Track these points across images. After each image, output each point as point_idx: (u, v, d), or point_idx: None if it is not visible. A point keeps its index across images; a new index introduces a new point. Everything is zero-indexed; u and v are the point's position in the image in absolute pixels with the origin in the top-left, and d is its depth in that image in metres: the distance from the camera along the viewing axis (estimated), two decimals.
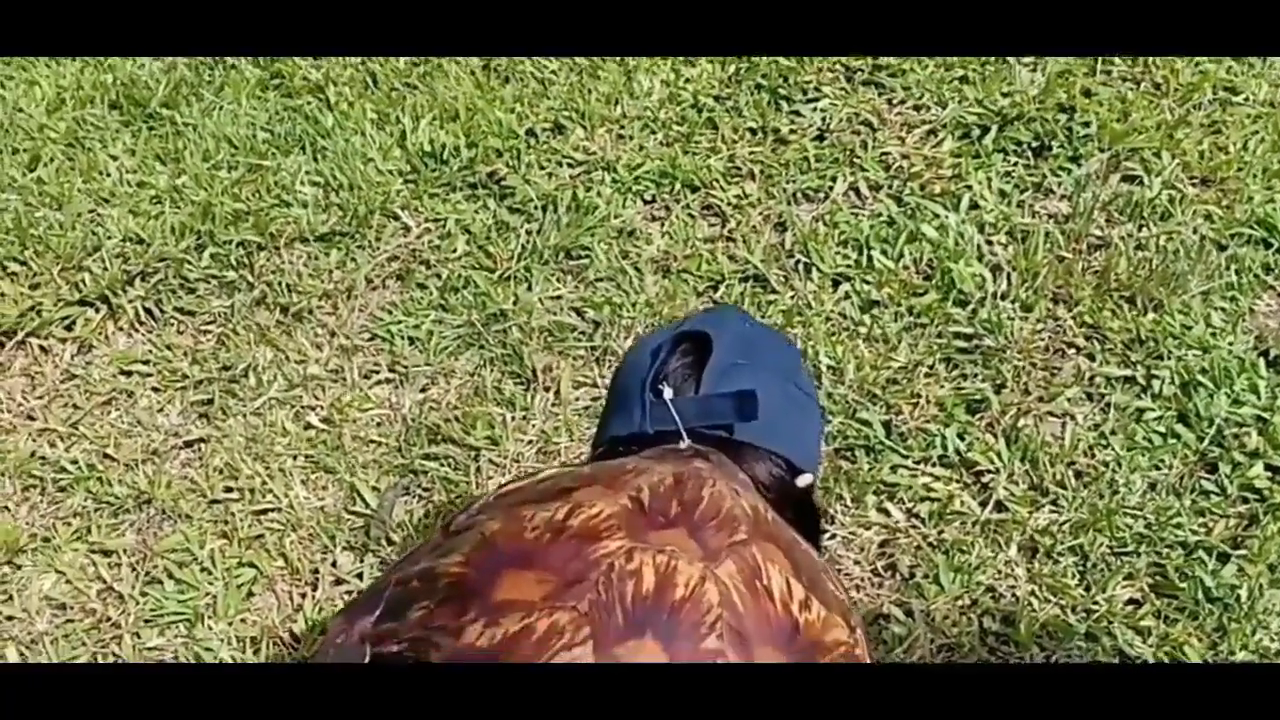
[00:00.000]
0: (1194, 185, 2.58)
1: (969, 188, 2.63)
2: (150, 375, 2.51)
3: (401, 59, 3.15)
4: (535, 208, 2.74)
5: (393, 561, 1.94)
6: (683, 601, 0.84)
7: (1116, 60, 2.85)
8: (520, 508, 0.95)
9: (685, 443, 1.13)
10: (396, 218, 2.75)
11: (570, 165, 2.84)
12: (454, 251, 2.67)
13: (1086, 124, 2.69)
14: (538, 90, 3.01)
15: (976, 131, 2.74)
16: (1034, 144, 2.69)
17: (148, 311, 2.61)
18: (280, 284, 2.62)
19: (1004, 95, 2.79)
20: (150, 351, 2.55)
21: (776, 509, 1.08)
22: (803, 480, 1.22)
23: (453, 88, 3.03)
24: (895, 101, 2.84)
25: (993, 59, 2.86)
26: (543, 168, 2.84)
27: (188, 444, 2.39)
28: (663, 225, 2.70)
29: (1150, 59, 2.82)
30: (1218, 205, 2.53)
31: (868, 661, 0.97)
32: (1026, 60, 2.87)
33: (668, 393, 1.16)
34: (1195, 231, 2.49)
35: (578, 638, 0.81)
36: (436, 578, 0.91)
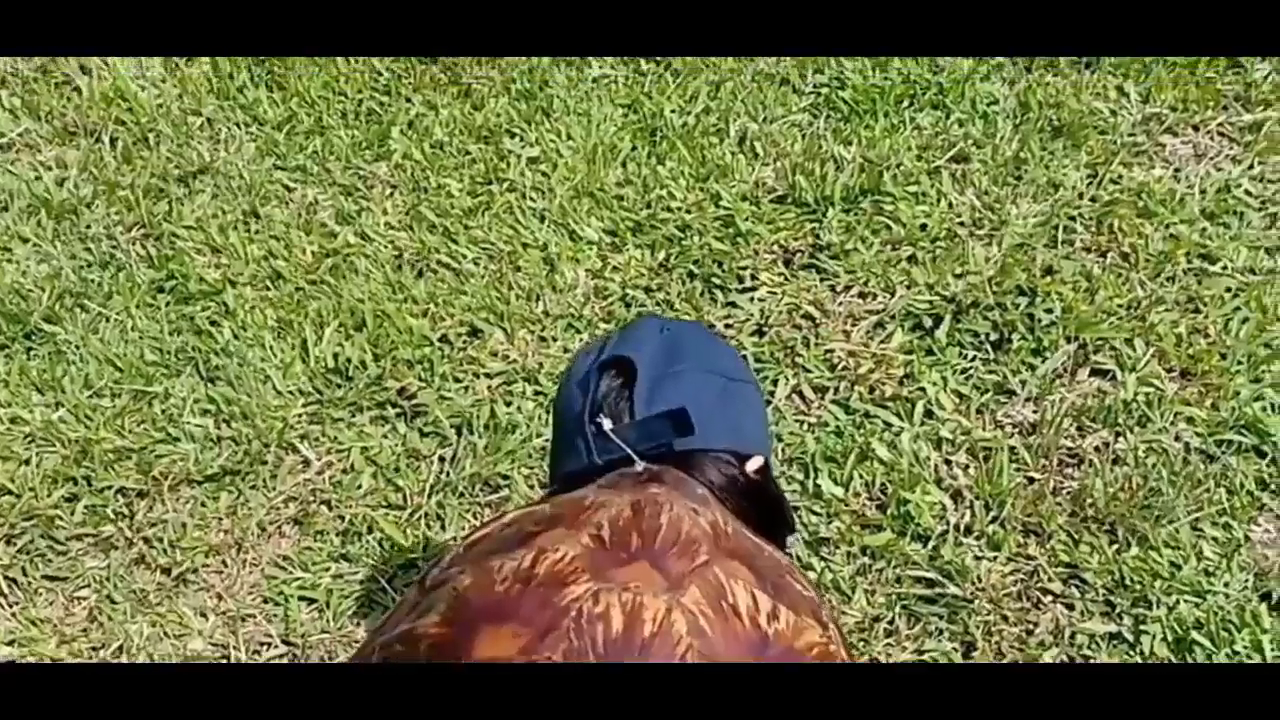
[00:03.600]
0: (1172, 380, 2.27)
1: (922, 390, 2.32)
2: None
3: (308, 251, 2.85)
4: (449, 429, 2.43)
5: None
6: (652, 638, 0.84)
7: (1079, 228, 2.55)
8: (489, 559, 0.94)
9: (640, 465, 1.14)
10: (295, 450, 2.43)
11: (488, 376, 2.52)
12: (358, 488, 2.35)
13: (1049, 309, 2.39)
14: (454, 286, 2.70)
15: (929, 322, 2.43)
16: (992, 336, 2.39)
17: (11, 581, 2.28)
18: (162, 539, 2.29)
19: (957, 277, 2.49)
20: (14, 630, 2.22)
21: (735, 503, 1.13)
22: (752, 465, 1.22)
23: (361, 286, 2.72)
24: (838, 289, 2.54)
25: (943, 237, 2.56)
26: (458, 379, 2.52)
27: None
28: None
29: (1118, 226, 2.52)
30: (1200, 405, 2.21)
31: (845, 658, 0.97)
32: (980, 233, 2.58)
33: (607, 423, 1.16)
34: (1178, 439, 2.18)
35: None
36: (417, 640, 0.90)
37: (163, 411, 2.52)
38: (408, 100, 3.26)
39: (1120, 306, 2.39)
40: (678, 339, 1.27)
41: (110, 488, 2.38)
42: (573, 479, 1.18)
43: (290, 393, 2.53)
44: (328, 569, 2.24)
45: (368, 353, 2.56)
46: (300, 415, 2.48)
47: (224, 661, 2.14)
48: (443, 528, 2.28)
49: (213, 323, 2.70)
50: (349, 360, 2.55)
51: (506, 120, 3.14)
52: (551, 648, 0.83)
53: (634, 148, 2.98)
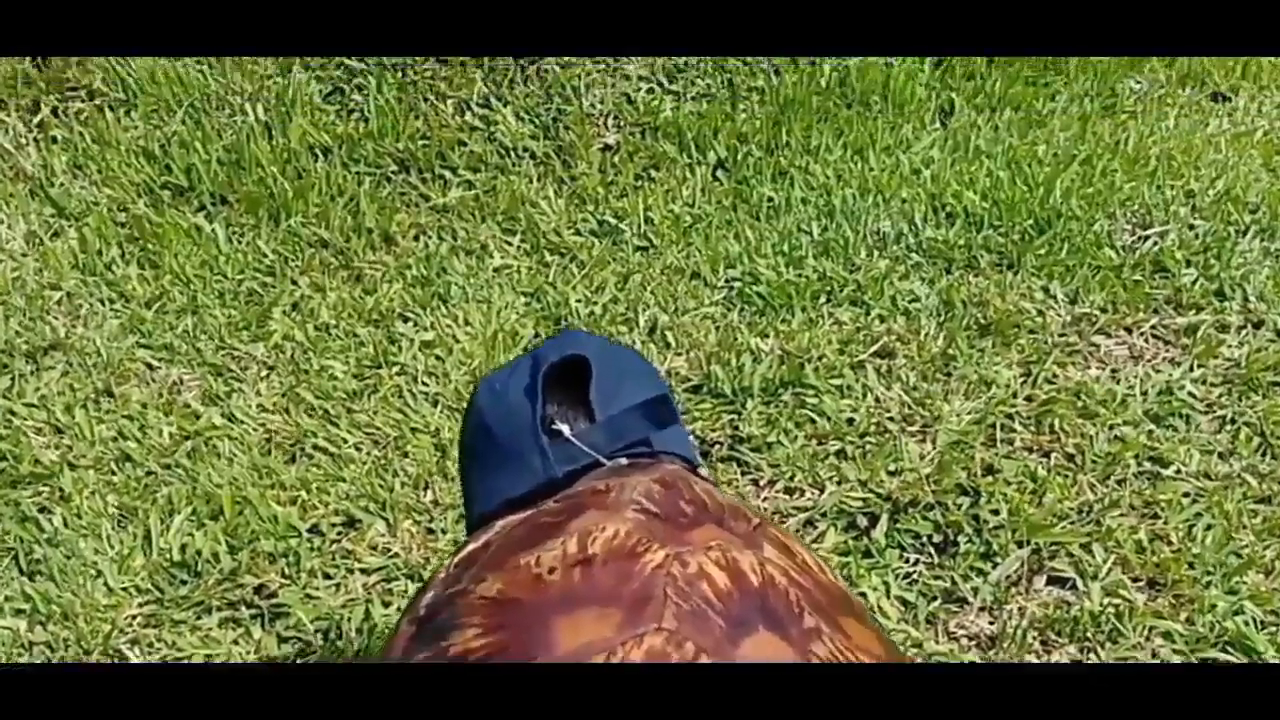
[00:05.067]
0: (1140, 590, 1.96)
1: (862, 595, 1.97)
2: None
3: (165, 433, 2.43)
4: (313, 633, 1.99)
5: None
6: (764, 588, 0.73)
7: (1017, 427, 2.28)
8: (510, 559, 0.77)
9: (623, 459, 0.97)
10: (122, 657, 1.96)
11: (364, 572, 2.10)
12: None
13: (995, 510, 2.08)
14: (330, 472, 2.30)
15: (864, 521, 2.10)
16: (935, 538, 2.06)
17: None
18: None
19: (891, 474, 2.18)
20: None
21: None
22: (703, 474, 1.06)
23: (222, 470, 2.31)
24: (762, 483, 2.21)
25: (873, 432, 2.27)
26: (328, 576, 2.10)
27: None
28: None
29: (1059, 426, 2.25)
30: (1175, 618, 1.89)
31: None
32: (913, 429, 2.29)
33: (566, 429, 1.00)
34: (1155, 656, 1.85)
35: (686, 655, 0.66)
36: (461, 660, 0.71)
37: None
38: (293, 283, 2.92)
39: (1072, 510, 2.10)
40: (610, 344, 1.14)
41: None
42: (525, 501, 0.97)
43: (124, 590, 2.07)
44: None
45: (222, 544, 2.13)
46: (134, 616, 2.02)
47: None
48: None
49: (43, 509, 2.25)
50: (199, 553, 2.11)
51: (400, 305, 2.81)
52: (655, 617, 0.69)
53: (536, 334, 2.66)
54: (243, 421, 2.47)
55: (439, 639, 0.75)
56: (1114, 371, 2.41)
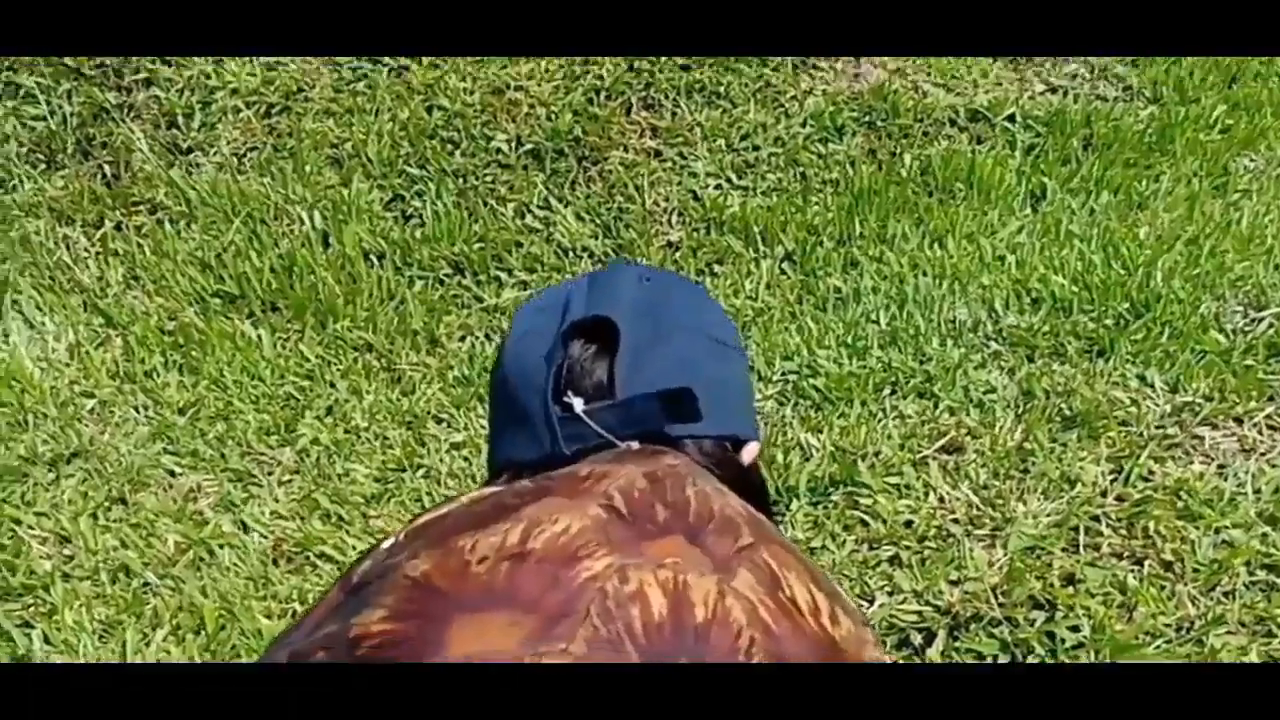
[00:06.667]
0: None
1: None
2: None
3: (169, 542, 2.25)
4: None
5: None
6: (706, 624, 0.62)
7: (1104, 530, 1.93)
8: (453, 538, 0.68)
9: (634, 444, 0.84)
10: None
11: None
12: None
13: (1075, 627, 1.74)
14: (331, 581, 2.09)
15: (918, 639, 1.78)
16: (1002, 658, 1.72)
17: None
18: None
19: (952, 584, 1.85)
20: None
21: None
22: (748, 452, 0.94)
23: (216, 581, 2.11)
24: None
25: (933, 536, 1.95)
26: None
27: None
28: None
29: (1155, 529, 1.90)
30: None
31: None
32: (980, 533, 1.96)
33: (578, 404, 0.87)
34: None
35: None
36: (355, 643, 0.62)
37: None
38: (332, 385, 2.76)
39: (1168, 626, 1.74)
40: (663, 292, 0.97)
41: None
42: (527, 468, 0.88)
43: None
44: None
45: (198, 659, 1.91)
46: None
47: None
48: None
49: (24, 624, 2.08)
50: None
51: (436, 406, 2.62)
52: (567, 637, 0.59)
53: None
54: (252, 529, 2.28)
55: (352, 614, 0.67)
56: (1221, 467, 2.05)
